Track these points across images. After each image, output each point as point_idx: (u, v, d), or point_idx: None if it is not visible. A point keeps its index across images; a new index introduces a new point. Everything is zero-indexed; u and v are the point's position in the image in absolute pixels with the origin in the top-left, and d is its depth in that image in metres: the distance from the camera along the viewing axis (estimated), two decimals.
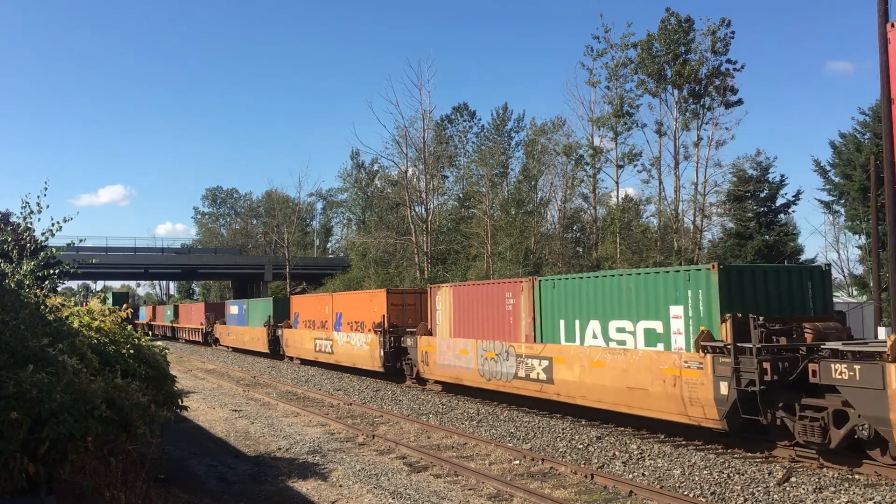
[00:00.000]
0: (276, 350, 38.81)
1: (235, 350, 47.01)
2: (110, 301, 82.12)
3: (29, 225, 9.30)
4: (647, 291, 15.26)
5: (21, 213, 9.17)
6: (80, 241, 9.52)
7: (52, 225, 9.08)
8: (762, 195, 48.99)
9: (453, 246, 53.40)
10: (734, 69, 45.99)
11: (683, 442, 14.68)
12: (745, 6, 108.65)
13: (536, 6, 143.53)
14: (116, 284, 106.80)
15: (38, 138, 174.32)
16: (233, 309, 48.59)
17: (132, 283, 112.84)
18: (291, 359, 37.51)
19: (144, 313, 79.63)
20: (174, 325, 64.57)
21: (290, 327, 36.93)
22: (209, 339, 52.90)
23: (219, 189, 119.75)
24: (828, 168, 51.79)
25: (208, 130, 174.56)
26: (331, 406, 21.55)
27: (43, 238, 9.28)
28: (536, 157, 55.48)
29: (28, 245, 9.41)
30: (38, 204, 9.13)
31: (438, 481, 12.10)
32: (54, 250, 9.52)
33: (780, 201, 49.60)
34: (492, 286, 20.87)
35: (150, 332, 71.80)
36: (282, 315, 38.93)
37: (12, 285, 8.30)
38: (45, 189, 9.23)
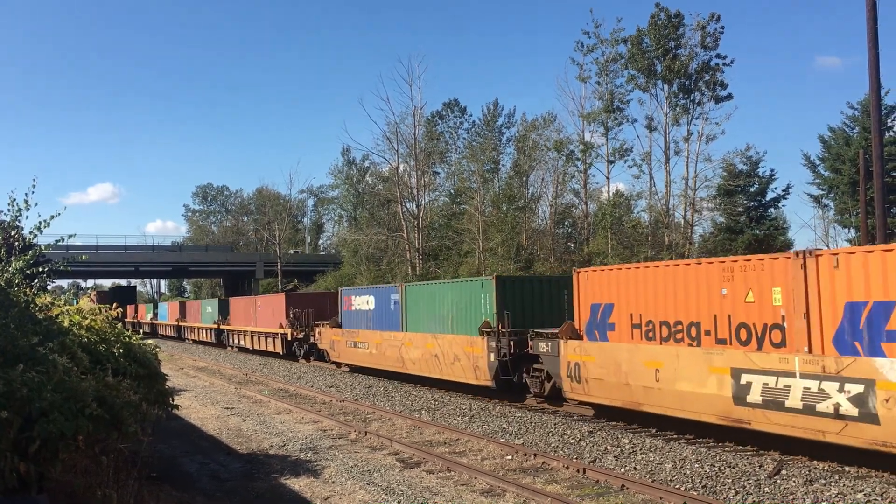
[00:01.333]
0: (512, 380, 19.71)
1: (354, 370, 29.43)
2: (109, 295, 76.57)
3: (17, 223, 9.24)
4: None
5: (8, 210, 9.10)
6: (70, 236, 9.46)
7: (41, 222, 9.03)
8: (752, 190, 49.22)
9: (445, 242, 53.40)
10: (724, 64, 46.18)
11: (675, 436, 14.75)
12: (734, 1, 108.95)
13: (526, 2, 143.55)
14: (107, 283, 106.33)
15: (26, 136, 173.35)
16: (362, 301, 28.45)
17: (122, 282, 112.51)
18: (562, 401, 18.30)
19: (166, 311, 66.01)
20: (222, 326, 47.84)
21: (580, 337, 17.36)
22: (300, 350, 35.67)
23: (209, 186, 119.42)
24: (817, 162, 52.08)
25: (198, 128, 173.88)
26: (323, 403, 21.54)
27: (31, 236, 9.23)
28: (527, 153, 55.53)
29: (16, 243, 9.36)
30: (25, 201, 9.08)
31: (431, 477, 12.12)
32: (43, 248, 9.46)
33: (770, 195, 49.87)
34: None
35: (180, 337, 59.98)
36: (537, 310, 20.79)
37: (1, 284, 8.26)
38: (34, 186, 9.17)
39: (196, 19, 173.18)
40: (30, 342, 7.29)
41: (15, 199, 9.08)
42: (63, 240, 9.56)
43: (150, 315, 71.87)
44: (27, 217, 9.21)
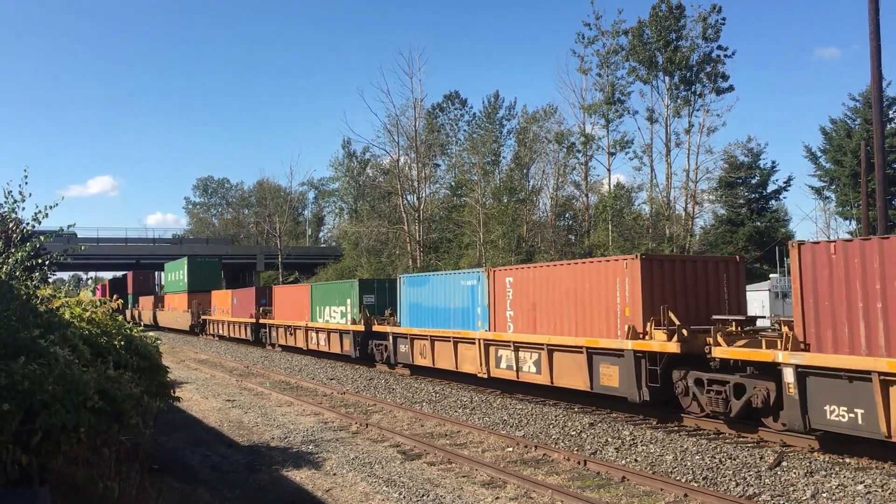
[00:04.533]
0: None
1: None
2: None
3: (14, 214, 9.19)
4: None
5: (5, 202, 9.05)
6: (70, 226, 9.42)
7: (38, 212, 8.98)
8: (753, 181, 49.26)
9: (445, 234, 53.43)
10: (725, 55, 46.11)
11: (676, 428, 14.76)
12: None
13: None
14: (108, 275, 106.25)
15: (26, 129, 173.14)
16: None
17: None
18: None
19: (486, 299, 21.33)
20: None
21: None
22: None
23: (210, 179, 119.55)
24: (819, 154, 52.06)
25: (198, 121, 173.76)
26: (324, 395, 21.56)
27: (29, 227, 9.18)
28: (528, 145, 55.51)
29: (15, 236, 9.32)
30: (20, 193, 9.02)
31: (432, 469, 12.14)
32: (42, 238, 9.43)
33: (771, 187, 49.95)
34: None
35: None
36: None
37: (2, 276, 8.24)
38: (26, 177, 9.09)
39: (195, 12, 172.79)
40: (31, 335, 7.28)
41: (11, 192, 9.02)
42: (62, 230, 9.52)
43: (345, 308, 29.68)
44: (24, 209, 9.15)
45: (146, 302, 67.45)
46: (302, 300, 34.58)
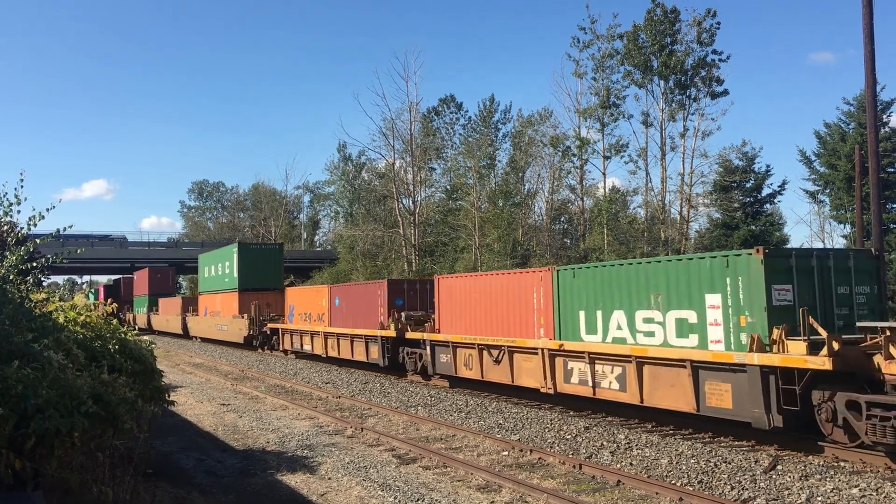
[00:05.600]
0: None
1: None
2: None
3: (10, 217, 9.15)
4: None
5: (0, 205, 9.01)
6: (67, 227, 9.38)
7: (32, 217, 8.94)
8: (748, 185, 49.32)
9: (441, 238, 53.41)
10: (720, 60, 46.15)
11: (671, 431, 14.77)
12: None
13: None
14: (103, 279, 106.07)
15: (21, 131, 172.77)
16: None
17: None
18: None
19: None
20: None
21: None
22: None
23: (205, 182, 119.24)
24: (813, 158, 52.17)
25: (193, 123, 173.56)
26: (319, 399, 21.52)
27: (25, 229, 9.14)
28: (523, 149, 55.57)
29: (9, 239, 9.29)
30: (16, 196, 8.99)
31: (427, 473, 12.12)
32: (38, 241, 9.39)
33: (765, 191, 49.99)
34: None
35: None
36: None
37: None
38: (22, 180, 9.06)
39: (190, 15, 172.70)
40: (25, 339, 7.26)
41: (6, 194, 8.99)
42: (60, 231, 9.47)
43: (702, 313, 13.70)
44: (19, 212, 9.11)
45: (170, 305, 54.51)
46: (523, 300, 18.62)
